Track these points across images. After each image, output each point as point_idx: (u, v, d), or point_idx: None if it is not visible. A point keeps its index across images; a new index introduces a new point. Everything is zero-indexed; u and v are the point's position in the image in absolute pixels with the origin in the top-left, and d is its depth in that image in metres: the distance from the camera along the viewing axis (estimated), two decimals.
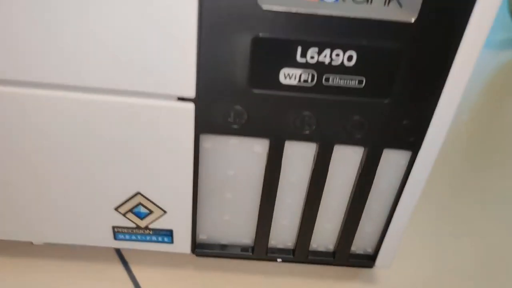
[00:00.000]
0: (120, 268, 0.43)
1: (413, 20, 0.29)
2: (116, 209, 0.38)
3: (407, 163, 0.37)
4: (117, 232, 0.40)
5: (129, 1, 0.28)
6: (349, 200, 0.39)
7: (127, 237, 0.40)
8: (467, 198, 0.56)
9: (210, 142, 0.36)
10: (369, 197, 0.39)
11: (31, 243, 0.43)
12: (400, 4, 0.29)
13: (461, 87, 0.32)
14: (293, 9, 0.28)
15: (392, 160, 0.37)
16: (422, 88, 0.32)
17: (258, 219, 0.40)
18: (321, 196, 0.38)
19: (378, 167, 0.37)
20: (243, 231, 0.42)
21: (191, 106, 0.33)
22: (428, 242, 0.49)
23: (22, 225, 0.40)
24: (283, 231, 0.41)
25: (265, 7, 0.28)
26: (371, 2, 0.29)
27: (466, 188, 0.57)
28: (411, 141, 0.35)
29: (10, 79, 0.31)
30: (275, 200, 0.38)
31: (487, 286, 0.45)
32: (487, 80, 0.84)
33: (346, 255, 0.43)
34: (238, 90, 0.32)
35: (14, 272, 0.42)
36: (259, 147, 0.36)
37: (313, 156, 0.36)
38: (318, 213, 0.40)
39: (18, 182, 0.37)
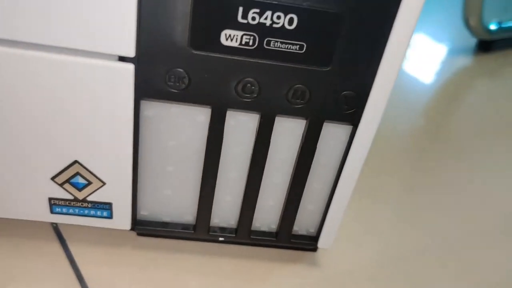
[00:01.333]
0: (56, 245, 0.42)
1: None
2: (53, 178, 0.37)
3: (347, 138, 0.37)
4: (53, 204, 0.39)
5: None
6: (291, 175, 0.39)
7: (64, 210, 0.39)
8: (415, 190, 0.56)
9: (151, 109, 0.35)
10: (310, 174, 0.39)
11: None
12: None
13: (399, 57, 0.33)
14: None
15: (333, 135, 0.37)
16: (362, 56, 0.32)
17: (200, 194, 0.39)
18: (263, 171, 0.38)
19: (320, 142, 0.37)
20: (185, 208, 0.41)
21: (130, 67, 0.32)
22: (371, 228, 0.50)
23: None
24: (226, 209, 0.41)
25: None
26: None
27: (415, 182, 0.58)
28: (351, 113, 0.35)
29: None
30: (217, 173, 0.38)
31: (429, 271, 0.46)
32: (443, 85, 0.87)
33: (289, 235, 0.42)
34: (179, 50, 0.31)
35: None
36: (201, 117, 0.36)
37: (255, 127, 0.36)
38: (261, 189, 0.40)
39: None
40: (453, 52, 1.00)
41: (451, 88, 0.87)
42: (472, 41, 1.03)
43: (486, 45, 1.02)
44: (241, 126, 0.36)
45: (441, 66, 0.94)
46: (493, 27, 0.98)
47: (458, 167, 0.63)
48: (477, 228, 0.53)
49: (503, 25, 0.99)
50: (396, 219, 0.52)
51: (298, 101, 0.34)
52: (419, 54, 0.97)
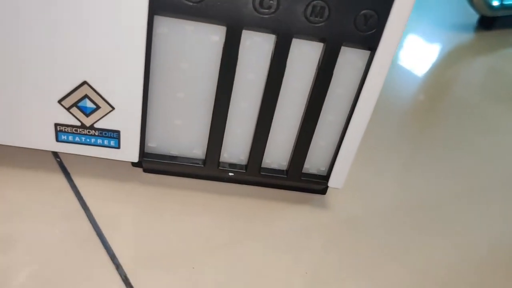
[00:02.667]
0: (61, 177, 0.40)
1: None
2: (60, 101, 0.36)
3: (364, 65, 0.36)
4: (59, 131, 0.38)
5: None
6: (305, 106, 0.38)
7: (70, 138, 0.38)
8: (423, 146, 0.56)
9: (165, 27, 0.34)
10: (325, 105, 0.38)
11: None
12: None
13: None
14: None
15: (350, 61, 0.36)
16: None
17: (211, 123, 0.38)
18: (277, 98, 0.37)
19: (336, 69, 0.36)
20: (195, 140, 0.40)
21: None
22: (381, 176, 0.49)
23: None
24: (237, 143, 0.40)
25: None
26: None
27: (423, 138, 0.57)
28: (370, 35, 0.34)
29: None
30: (229, 101, 0.37)
31: (436, 220, 0.45)
32: (444, 59, 0.86)
33: (299, 173, 0.41)
34: None
35: None
36: (216, 36, 0.35)
37: (271, 50, 0.35)
38: (273, 122, 0.39)
39: None
40: (455, 28, 1.00)
41: (451, 62, 0.86)
42: (474, 18, 1.02)
43: (488, 22, 1.02)
44: (256, 48, 0.35)
45: (443, 41, 0.93)
46: (495, 3, 0.97)
47: (460, 127, 0.62)
48: (481, 183, 0.52)
49: (505, 2, 0.99)
50: (405, 168, 0.51)
51: (316, 19, 0.33)
52: (422, 29, 0.96)
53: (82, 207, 0.38)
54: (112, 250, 0.35)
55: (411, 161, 0.53)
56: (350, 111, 0.38)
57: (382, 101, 0.65)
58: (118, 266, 0.34)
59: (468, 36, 0.99)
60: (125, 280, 0.33)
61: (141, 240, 0.36)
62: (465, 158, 0.56)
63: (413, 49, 0.86)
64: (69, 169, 0.41)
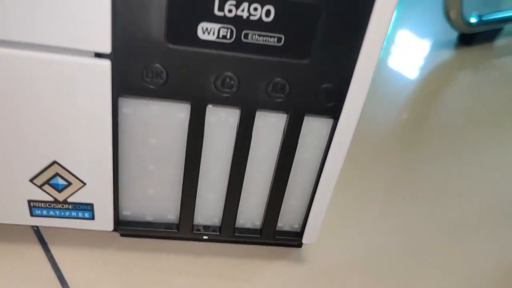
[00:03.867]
0: (38, 248, 0.41)
1: None
2: (32, 180, 0.37)
3: (329, 132, 0.37)
4: (33, 207, 0.38)
5: None
6: (273, 172, 0.39)
7: (45, 212, 0.39)
8: (397, 186, 0.56)
9: (130, 107, 0.35)
10: (293, 169, 0.39)
11: None
12: None
13: (377, 50, 0.32)
14: None
15: (314, 129, 0.37)
16: (341, 49, 0.32)
17: (182, 192, 0.39)
18: (245, 167, 0.38)
19: (301, 136, 0.37)
20: (168, 207, 0.40)
21: (107, 63, 0.32)
22: (357, 223, 0.50)
23: None
24: (210, 207, 0.41)
25: None
26: None
27: (396, 177, 0.58)
28: (331, 106, 0.35)
29: None
30: (198, 171, 0.38)
31: (414, 264, 0.46)
32: (425, 79, 0.87)
33: (273, 232, 0.42)
34: (156, 45, 0.31)
35: None
36: (181, 114, 0.35)
37: (236, 123, 0.36)
38: (244, 186, 0.39)
39: None
40: (435, 46, 1.01)
41: (433, 82, 0.87)
42: (454, 35, 1.04)
43: (468, 38, 1.03)
44: (221, 122, 0.36)
45: (424, 60, 0.94)
46: (473, 20, 0.98)
47: (441, 160, 0.63)
48: (462, 220, 0.53)
49: (483, 18, 1.00)
50: (380, 213, 0.52)
51: (278, 95, 0.34)
52: (402, 48, 0.97)
53: (58, 278, 0.39)
54: None
55: (388, 202, 0.54)
56: (318, 173, 0.39)
57: (360, 132, 0.66)
58: None
59: (448, 53, 1.00)
60: None
61: None
62: (444, 195, 0.56)
63: (393, 69, 0.87)
64: (46, 239, 0.42)
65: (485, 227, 0.52)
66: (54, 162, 0.36)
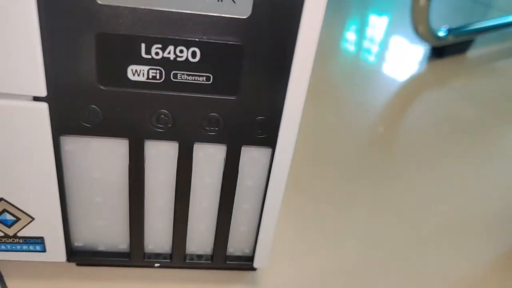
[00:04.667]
0: None
1: (246, 16, 0.31)
2: None
3: (268, 160, 0.38)
4: None
5: None
6: (219, 199, 0.40)
7: None
8: (356, 201, 0.58)
9: (71, 144, 0.36)
10: (239, 196, 0.40)
11: None
12: (233, 0, 0.31)
13: (304, 81, 0.34)
14: (130, 4, 0.29)
15: (253, 158, 0.38)
16: (268, 83, 0.34)
17: (130, 223, 0.40)
18: (189, 196, 0.39)
19: (242, 165, 0.38)
20: (119, 236, 0.42)
21: (44, 106, 0.33)
22: (311, 245, 0.51)
23: None
24: (159, 235, 0.42)
25: (101, 1, 0.29)
26: None
27: (358, 194, 0.59)
28: (266, 137, 0.36)
29: None
30: (143, 202, 0.39)
31: (371, 283, 0.47)
32: (397, 93, 0.89)
33: (224, 257, 0.43)
34: (88, 87, 0.32)
35: None
36: (121, 148, 0.37)
37: (177, 155, 0.37)
38: (191, 213, 0.41)
39: None
40: (407, 59, 1.03)
41: (404, 96, 0.89)
42: (426, 48, 1.05)
43: (439, 50, 1.05)
44: (162, 155, 0.37)
45: (395, 73, 0.96)
46: (442, 33, 1.00)
47: (404, 176, 0.64)
48: (420, 236, 0.54)
49: (452, 31, 1.02)
50: (336, 233, 0.53)
51: (213, 128, 0.35)
52: (375, 61, 0.99)
53: None
54: None
55: (343, 221, 0.55)
56: (262, 199, 0.40)
57: (322, 148, 0.67)
58: None
59: (420, 66, 1.02)
60: None
61: None
62: (402, 211, 0.58)
63: (364, 82, 0.89)
64: (2, 271, 0.43)
65: (449, 240, 0.54)
66: (1, 199, 0.37)
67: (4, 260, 0.43)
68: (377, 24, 1.24)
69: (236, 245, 0.44)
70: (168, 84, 0.33)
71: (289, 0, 0.31)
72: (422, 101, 0.89)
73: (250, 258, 0.44)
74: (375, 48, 1.08)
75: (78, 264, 0.45)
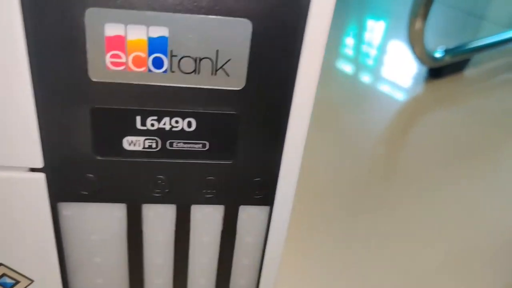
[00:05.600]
0: None
1: (241, 88, 0.31)
2: None
3: (267, 217, 0.38)
4: None
5: None
6: (218, 256, 0.40)
7: None
8: (357, 239, 0.58)
9: (69, 209, 0.36)
10: (239, 252, 0.40)
11: None
12: (227, 74, 0.31)
13: (300, 144, 0.34)
14: (124, 80, 0.30)
15: (251, 216, 0.38)
16: (264, 148, 0.34)
17: (129, 281, 0.40)
18: (187, 255, 0.39)
19: (241, 223, 0.38)
20: None
21: (41, 176, 0.33)
22: (315, 274, 0.51)
23: None
24: None
25: (95, 79, 0.29)
26: (199, 72, 0.31)
27: (358, 228, 0.59)
28: (264, 197, 0.36)
29: None
30: (142, 262, 0.39)
31: None
32: (395, 115, 0.89)
33: None
34: (85, 158, 0.33)
35: None
36: (118, 212, 0.37)
37: (174, 217, 0.37)
38: (191, 269, 0.41)
39: None
40: (405, 81, 1.03)
41: (402, 118, 0.89)
42: (423, 69, 1.06)
43: (436, 71, 1.05)
44: (160, 217, 0.37)
45: (394, 95, 0.96)
46: (438, 55, 1.00)
47: (406, 204, 0.64)
48: (425, 267, 0.54)
49: (449, 52, 1.02)
50: (338, 271, 0.53)
51: (210, 191, 0.36)
52: (373, 83, 0.99)
53: None
54: None
55: (343, 261, 0.55)
56: (262, 254, 0.40)
57: (321, 179, 0.67)
58: None
59: (418, 88, 1.02)
60: None
61: None
62: (398, 251, 0.58)
63: (361, 104, 0.89)
64: None
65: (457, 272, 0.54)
66: (1, 264, 0.37)
67: None
68: (374, 39, 1.24)
69: None
70: (164, 152, 0.33)
71: (281, 72, 0.31)
72: (422, 124, 0.89)
73: None
74: (372, 68, 1.08)
75: None
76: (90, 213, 0.36)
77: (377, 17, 1.40)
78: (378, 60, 1.13)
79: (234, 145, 0.34)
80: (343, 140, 0.77)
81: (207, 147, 0.33)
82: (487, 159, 0.78)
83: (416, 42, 0.99)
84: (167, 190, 0.35)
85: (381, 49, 1.20)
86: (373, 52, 1.16)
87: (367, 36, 1.27)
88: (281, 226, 0.38)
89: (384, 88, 0.99)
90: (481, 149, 0.81)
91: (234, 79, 0.31)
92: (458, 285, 0.52)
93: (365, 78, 1.03)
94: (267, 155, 0.34)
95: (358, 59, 1.13)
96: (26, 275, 0.38)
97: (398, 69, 1.08)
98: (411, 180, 0.69)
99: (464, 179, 0.71)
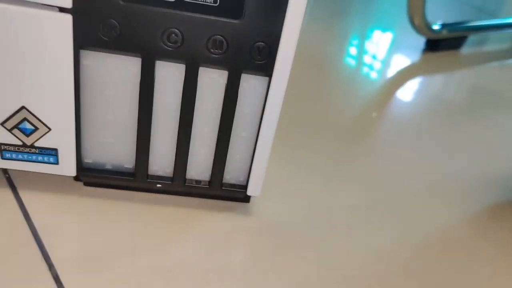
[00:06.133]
0: (8, 192, 0.46)
1: None
2: (2, 124, 0.42)
3: (265, 89, 0.43)
4: (3, 150, 0.43)
5: None
6: (218, 125, 0.44)
7: (14, 156, 0.44)
8: (344, 156, 0.62)
9: (89, 59, 0.40)
10: (236, 124, 0.44)
11: None
12: None
13: (300, 10, 0.38)
14: None
15: (252, 86, 0.42)
16: (269, 9, 0.38)
17: (136, 142, 0.44)
18: (191, 120, 0.43)
19: (241, 94, 0.43)
20: (126, 156, 0.46)
21: (69, 17, 0.37)
22: (304, 183, 0.55)
23: None
24: (163, 157, 0.46)
25: None
26: None
27: (351, 152, 0.64)
28: (264, 64, 0.40)
29: None
30: (151, 120, 0.43)
31: (354, 223, 0.51)
32: (390, 81, 0.93)
33: (220, 184, 0.48)
34: (110, 2, 0.37)
35: None
36: (133, 67, 0.41)
37: (183, 79, 0.42)
38: (192, 138, 0.45)
39: None
40: (403, 50, 1.07)
41: (398, 82, 0.93)
42: (422, 40, 1.10)
43: (433, 44, 1.10)
44: (170, 77, 0.41)
45: (391, 63, 1.00)
46: (436, 27, 1.05)
47: (395, 145, 0.68)
48: (403, 190, 0.58)
49: (446, 26, 1.07)
50: (327, 175, 0.57)
51: (217, 51, 0.40)
52: (371, 51, 1.04)
53: (25, 217, 0.44)
54: (46, 252, 0.41)
55: (336, 165, 0.60)
56: (258, 128, 0.45)
57: (318, 113, 0.72)
58: (50, 266, 0.40)
59: (414, 58, 1.06)
60: (56, 278, 0.39)
61: (75, 245, 0.42)
62: (389, 167, 0.62)
63: (362, 70, 0.93)
64: (16, 184, 0.47)
65: (427, 195, 0.58)
66: (23, 107, 0.41)
67: (20, 172, 0.47)
68: (376, 14, 1.29)
69: (232, 173, 0.48)
70: (180, 3, 0.38)
71: None
72: (414, 86, 0.93)
73: (244, 187, 0.48)
74: (370, 41, 1.12)
75: (85, 184, 0.49)
76: (108, 65, 0.41)
77: None
78: (380, 30, 1.18)
79: (243, 4, 0.38)
80: (336, 100, 0.81)
81: (218, 2, 0.38)
82: (470, 120, 0.82)
83: (415, 11, 1.03)
84: (179, 45, 0.39)
85: (383, 19, 1.24)
86: (373, 24, 1.21)
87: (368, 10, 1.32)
88: (278, 97, 0.43)
89: (382, 56, 1.04)
90: (466, 113, 0.85)
91: None
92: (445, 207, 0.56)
93: (365, 45, 1.07)
94: (271, 19, 0.39)
95: (358, 29, 1.17)
96: (45, 122, 0.42)
97: (398, 40, 1.13)
98: (394, 130, 0.74)
99: (451, 133, 0.76)
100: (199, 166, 0.47)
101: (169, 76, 0.41)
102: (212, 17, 0.38)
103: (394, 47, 1.08)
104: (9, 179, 0.47)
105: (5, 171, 0.48)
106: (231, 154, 0.46)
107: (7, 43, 0.38)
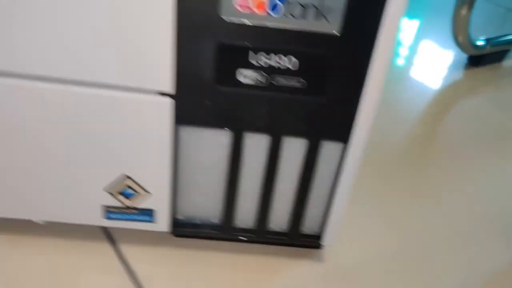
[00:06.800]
0: (107, 246, 0.51)
1: (337, 33, 0.39)
2: (107, 191, 0.47)
3: (341, 154, 0.47)
4: (107, 211, 0.49)
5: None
6: (297, 184, 0.48)
7: (117, 216, 0.49)
8: (409, 195, 0.66)
9: (187, 133, 0.45)
10: (313, 183, 0.48)
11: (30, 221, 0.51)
12: (327, 20, 0.39)
13: (377, 89, 0.42)
14: (247, 22, 0.38)
15: (329, 152, 0.46)
16: (349, 89, 0.42)
17: (225, 200, 0.49)
18: (274, 181, 0.48)
19: (319, 158, 0.47)
20: (214, 212, 0.51)
21: (170, 101, 0.42)
22: (373, 229, 0.59)
23: (21, 204, 0.48)
24: (247, 213, 0.50)
25: (225, 18, 0.38)
26: (305, 17, 0.39)
27: (409, 187, 0.67)
28: (343, 132, 0.44)
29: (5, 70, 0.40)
30: (237, 185, 0.48)
31: (427, 266, 0.55)
32: (435, 98, 0.96)
33: (298, 234, 0.52)
34: (207, 87, 0.41)
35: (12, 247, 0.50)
36: (224, 139, 0.45)
37: (267, 147, 0.46)
38: (274, 196, 0.49)
39: (18, 165, 0.45)
40: (446, 67, 1.09)
41: (441, 102, 0.96)
42: (464, 56, 1.12)
43: (476, 59, 1.12)
44: (256, 145, 0.46)
45: (435, 80, 1.03)
46: (480, 43, 1.07)
47: (448, 175, 0.71)
48: (465, 230, 0.62)
49: (490, 41, 1.08)
50: (391, 222, 0.61)
51: (301, 124, 0.44)
52: (417, 68, 1.06)
53: (128, 271, 0.49)
54: None
55: (399, 211, 0.63)
56: (332, 187, 0.49)
57: (373, 148, 0.75)
58: None
59: (457, 74, 1.08)
60: None
61: None
62: (448, 207, 0.65)
63: (408, 87, 0.96)
64: (114, 237, 0.52)
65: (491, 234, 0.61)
66: (126, 176, 0.46)
67: (116, 228, 0.53)
68: (411, 29, 1.31)
69: (308, 225, 0.52)
70: (270, 87, 0.42)
71: (370, 23, 0.39)
72: (458, 107, 0.95)
73: (318, 237, 0.53)
74: (411, 54, 1.15)
75: (176, 236, 0.54)
76: (203, 138, 0.45)
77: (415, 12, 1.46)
78: (419, 48, 1.20)
79: (325, 85, 0.42)
80: (381, 121, 0.84)
81: (304, 85, 0.42)
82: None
83: (460, 29, 1.05)
84: (266, 121, 0.44)
85: (427, 37, 1.26)
86: (413, 41, 1.23)
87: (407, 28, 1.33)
88: (354, 163, 0.46)
89: (426, 73, 1.06)
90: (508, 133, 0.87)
91: (333, 25, 0.39)
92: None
93: (407, 62, 1.10)
94: (351, 97, 0.43)
95: (401, 48, 1.19)
96: (146, 188, 0.47)
97: (441, 57, 1.15)
98: (444, 158, 0.76)
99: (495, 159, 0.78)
100: (278, 220, 0.51)
101: (256, 145, 0.46)
102: (299, 97, 0.42)
103: (435, 65, 1.10)
104: (107, 232, 0.52)
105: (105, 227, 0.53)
106: (308, 209, 0.50)
107: (113, 124, 0.43)
